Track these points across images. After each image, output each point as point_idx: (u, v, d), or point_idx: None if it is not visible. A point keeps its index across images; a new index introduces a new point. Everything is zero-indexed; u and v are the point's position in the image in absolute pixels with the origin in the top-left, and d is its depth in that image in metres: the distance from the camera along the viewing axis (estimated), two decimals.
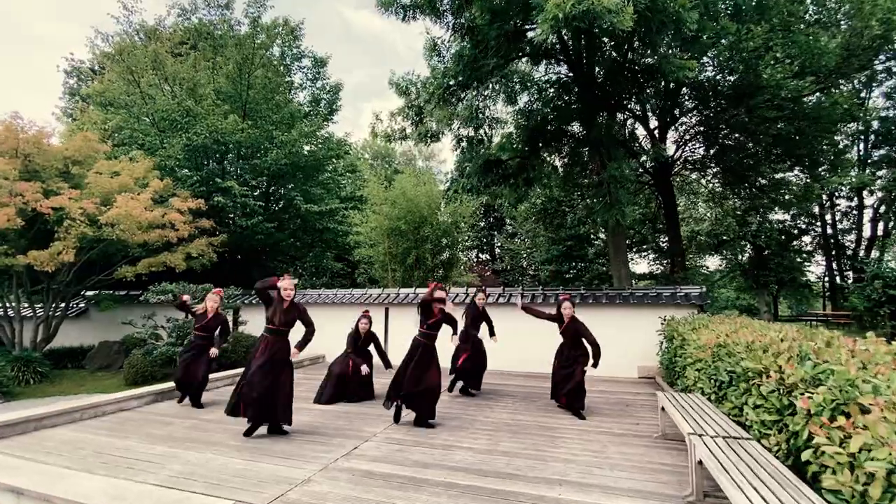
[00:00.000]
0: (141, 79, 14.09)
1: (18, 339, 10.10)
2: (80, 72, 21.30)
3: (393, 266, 13.13)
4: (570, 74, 10.56)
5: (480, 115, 9.16)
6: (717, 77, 10.93)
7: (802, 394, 3.13)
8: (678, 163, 15.71)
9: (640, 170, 15.63)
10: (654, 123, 14.67)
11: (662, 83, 11.83)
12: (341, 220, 16.02)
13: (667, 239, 19.99)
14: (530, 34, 8.54)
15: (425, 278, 12.71)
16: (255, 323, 12.03)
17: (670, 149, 14.54)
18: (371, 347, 7.34)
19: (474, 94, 8.66)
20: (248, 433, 5.11)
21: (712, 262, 27.24)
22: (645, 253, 25.78)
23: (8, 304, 10.31)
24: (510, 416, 6.07)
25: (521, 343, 9.45)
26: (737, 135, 12.69)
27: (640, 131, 15.47)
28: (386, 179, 18.70)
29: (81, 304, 13.29)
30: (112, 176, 10.50)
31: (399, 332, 10.74)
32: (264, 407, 5.08)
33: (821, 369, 3.19)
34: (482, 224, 30.81)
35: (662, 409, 5.13)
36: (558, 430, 5.40)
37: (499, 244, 31.15)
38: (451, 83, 9.19)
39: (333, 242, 16.78)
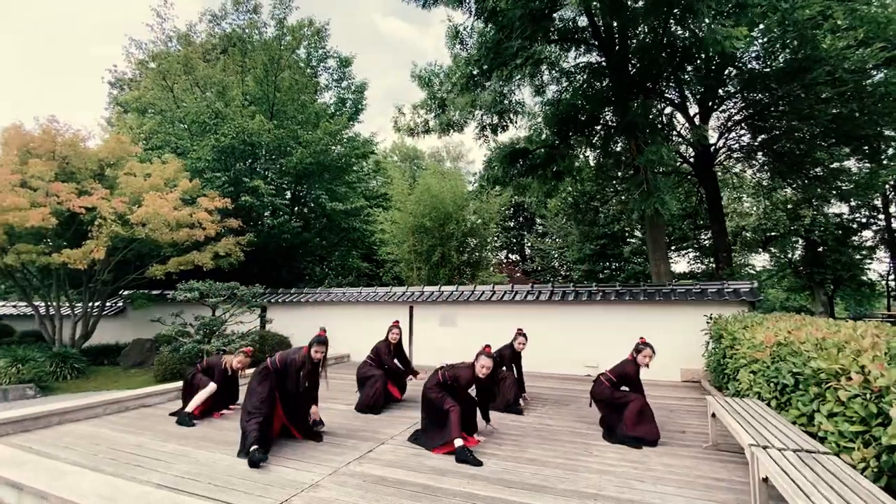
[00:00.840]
0: (174, 84, 14.44)
1: (58, 335, 10.43)
2: (123, 83, 22.24)
3: (418, 264, 12.84)
4: (602, 60, 9.96)
5: (505, 101, 8.69)
6: (766, 56, 10.03)
7: None
8: (721, 152, 14.68)
9: (680, 160, 14.71)
10: (693, 110, 13.76)
11: (703, 64, 11.02)
12: (366, 219, 15.91)
13: (709, 235, 18.86)
14: (556, 16, 8.07)
15: (451, 276, 12.35)
16: (280, 322, 12.03)
17: (712, 137, 13.58)
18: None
19: (498, 80, 8.21)
20: None
21: (759, 261, 25.62)
22: (685, 251, 24.53)
23: (49, 303, 10.67)
24: (538, 421, 5.60)
25: (551, 343, 8.95)
26: (788, 119, 11.64)
27: (679, 119, 14.57)
28: (411, 177, 18.49)
29: (119, 303, 13.70)
30: (145, 178, 10.71)
31: (423, 331, 10.45)
32: None
33: None
34: (512, 224, 30.20)
35: (713, 415, 4.55)
36: (592, 438, 4.90)
37: (529, 244, 30.45)
38: (475, 71, 8.81)
39: (360, 242, 16.68)
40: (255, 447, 4.10)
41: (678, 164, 15.32)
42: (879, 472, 2.67)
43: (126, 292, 12.98)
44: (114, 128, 17.38)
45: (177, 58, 14.63)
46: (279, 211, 13.99)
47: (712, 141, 13.99)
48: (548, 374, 8.83)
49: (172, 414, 5.82)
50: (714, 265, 14.43)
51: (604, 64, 10.26)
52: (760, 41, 9.28)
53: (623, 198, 15.57)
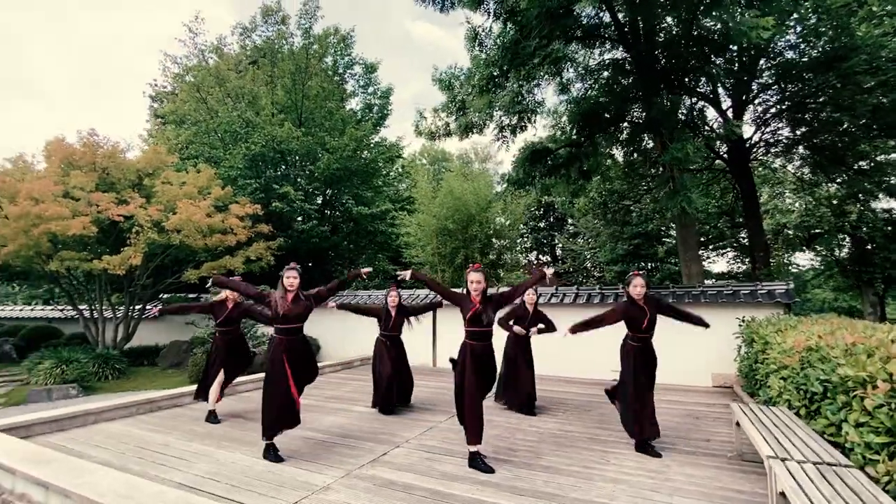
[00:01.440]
0: (208, 95, 15.07)
1: (101, 338, 11.05)
2: (162, 96, 23.36)
3: (442, 266, 12.88)
4: (627, 56, 9.72)
5: (523, 102, 8.60)
6: (802, 45, 9.53)
7: None
8: (758, 146, 14.02)
9: (713, 156, 14.15)
10: (727, 104, 13.20)
11: (735, 55, 10.58)
12: (392, 222, 16.10)
13: (747, 233, 18.04)
14: (576, 13, 7.92)
15: None
16: (309, 323, 12.28)
17: (748, 131, 12.98)
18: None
19: (516, 81, 8.13)
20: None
21: (804, 259, 24.36)
22: (724, 250, 23.61)
23: (93, 307, 11.32)
24: (558, 427, 5.50)
25: (576, 347, 8.70)
26: (829, 110, 11.00)
27: (712, 113, 14.02)
28: (439, 180, 18.57)
29: (159, 307, 14.38)
30: (180, 186, 11.22)
31: (446, 333, 10.48)
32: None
33: None
34: (542, 225, 29.82)
35: (738, 424, 4.34)
36: (611, 445, 4.77)
37: (560, 245, 29.95)
38: (496, 72, 8.76)
39: (386, 245, 16.89)
40: (272, 446, 4.38)
41: (712, 160, 14.77)
42: None
43: (165, 296, 13.62)
44: (153, 139, 18.30)
45: (209, 70, 15.26)
46: (308, 216, 14.35)
47: (747, 135, 13.39)
48: (572, 379, 8.65)
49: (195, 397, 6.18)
50: (751, 264, 13.79)
51: (629, 60, 10.01)
52: (795, 30, 8.82)
53: (655, 196, 15.11)
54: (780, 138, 13.79)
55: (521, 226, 29.45)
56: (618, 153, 12.62)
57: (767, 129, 13.81)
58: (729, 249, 23.29)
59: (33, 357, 10.09)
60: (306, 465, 4.24)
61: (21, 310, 19.39)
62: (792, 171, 16.67)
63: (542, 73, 7.55)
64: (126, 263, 9.34)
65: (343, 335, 11.79)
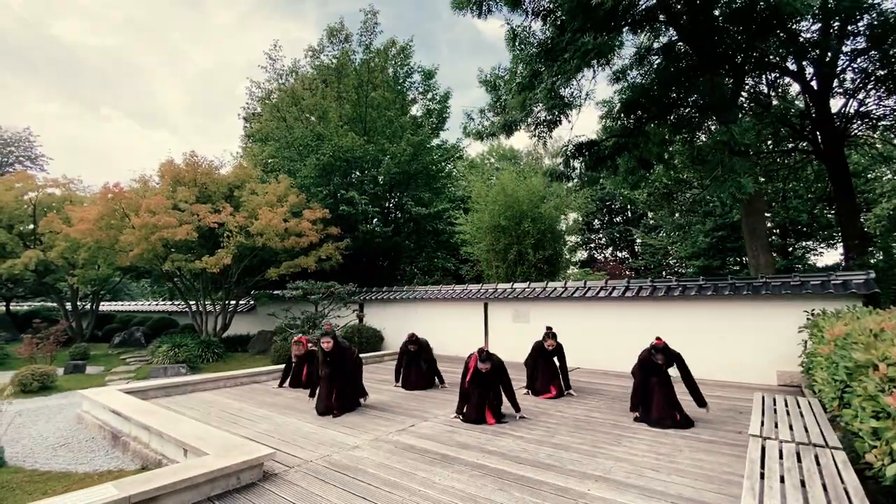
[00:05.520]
0: (286, 114, 16.83)
1: (204, 327, 12.96)
2: (253, 118, 26.26)
3: (496, 262, 13.17)
4: (677, 37, 9.31)
5: (557, 97, 8.57)
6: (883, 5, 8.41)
7: None
8: (855, 121, 12.42)
9: (796, 137, 12.84)
10: (810, 73, 11.88)
11: (819, 17, 9.61)
12: (450, 221, 16.71)
13: (837, 220, 16.01)
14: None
15: (528, 275, 12.44)
16: (374, 317, 13.35)
17: (837, 103, 11.61)
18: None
19: (549, 77, 8.17)
20: None
21: None
22: (834, 240, 21.01)
23: (198, 301, 13.30)
24: (585, 413, 5.65)
25: (625, 342, 8.59)
26: None
27: (795, 88, 12.71)
28: (498, 178, 18.80)
29: (251, 302, 16.39)
30: (262, 195, 12.79)
31: (498, 327, 10.79)
32: None
33: None
34: (619, 219, 28.66)
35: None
36: (630, 430, 4.85)
37: (638, 240, 28.53)
38: (540, 68, 8.89)
39: (445, 242, 17.53)
40: None
41: (796, 141, 13.36)
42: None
43: (255, 292, 15.50)
44: (243, 155, 20.76)
45: (286, 92, 16.99)
46: (372, 217, 15.45)
47: (836, 108, 11.97)
48: (619, 373, 8.53)
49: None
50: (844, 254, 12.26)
51: (680, 42, 9.56)
52: None
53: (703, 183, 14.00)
54: (884, 111, 12.10)
55: (595, 221, 28.53)
56: (677, 139, 11.94)
57: (869, 100, 12.20)
58: (839, 238, 20.70)
59: (155, 342, 12.18)
60: (345, 430, 4.92)
61: (149, 305, 23.09)
62: None
63: (573, 67, 7.49)
64: (220, 263, 10.95)
65: (404, 327, 12.60)
